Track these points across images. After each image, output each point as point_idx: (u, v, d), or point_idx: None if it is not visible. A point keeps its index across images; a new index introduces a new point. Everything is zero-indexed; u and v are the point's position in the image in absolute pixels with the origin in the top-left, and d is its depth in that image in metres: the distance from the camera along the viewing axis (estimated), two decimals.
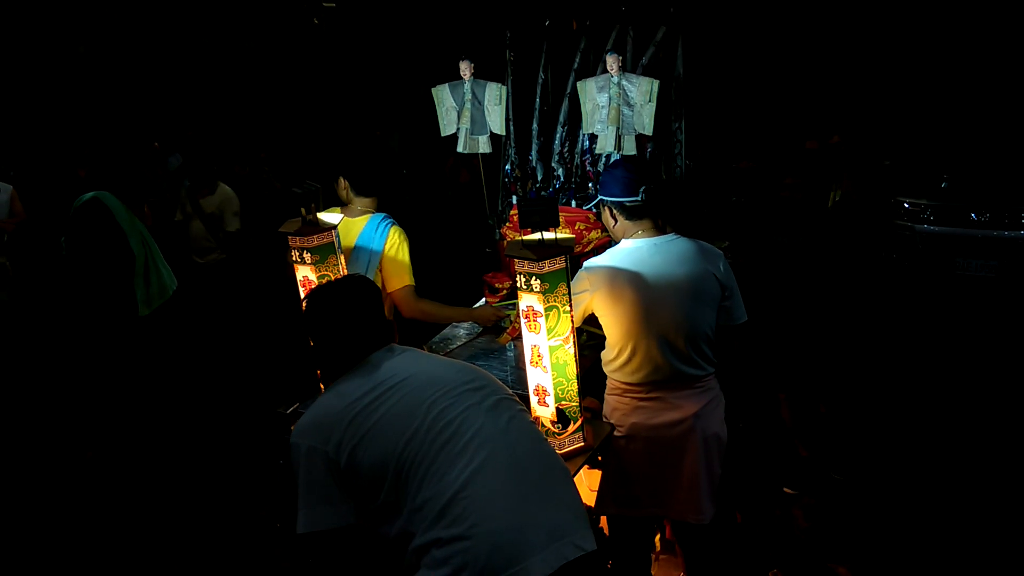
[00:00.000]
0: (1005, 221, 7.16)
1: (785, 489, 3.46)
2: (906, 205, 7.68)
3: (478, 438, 1.71)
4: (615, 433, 2.65)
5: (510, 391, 1.94)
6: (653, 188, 2.55)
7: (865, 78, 9.82)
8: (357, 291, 1.97)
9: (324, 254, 2.62)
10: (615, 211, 2.62)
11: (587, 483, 2.92)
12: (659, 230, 2.59)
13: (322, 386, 2.62)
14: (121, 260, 3.86)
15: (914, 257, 7.37)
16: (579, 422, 2.40)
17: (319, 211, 2.67)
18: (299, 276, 2.67)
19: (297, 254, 2.62)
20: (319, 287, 2.03)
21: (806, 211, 4.55)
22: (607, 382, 2.72)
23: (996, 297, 6.72)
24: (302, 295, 2.68)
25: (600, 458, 2.70)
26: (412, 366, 1.86)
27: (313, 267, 2.61)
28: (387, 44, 9.41)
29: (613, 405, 2.68)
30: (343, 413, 1.74)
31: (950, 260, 7.22)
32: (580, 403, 2.39)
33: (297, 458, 1.76)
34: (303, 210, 2.60)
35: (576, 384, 2.35)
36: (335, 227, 2.65)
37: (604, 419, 2.70)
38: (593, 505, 2.76)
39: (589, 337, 3.02)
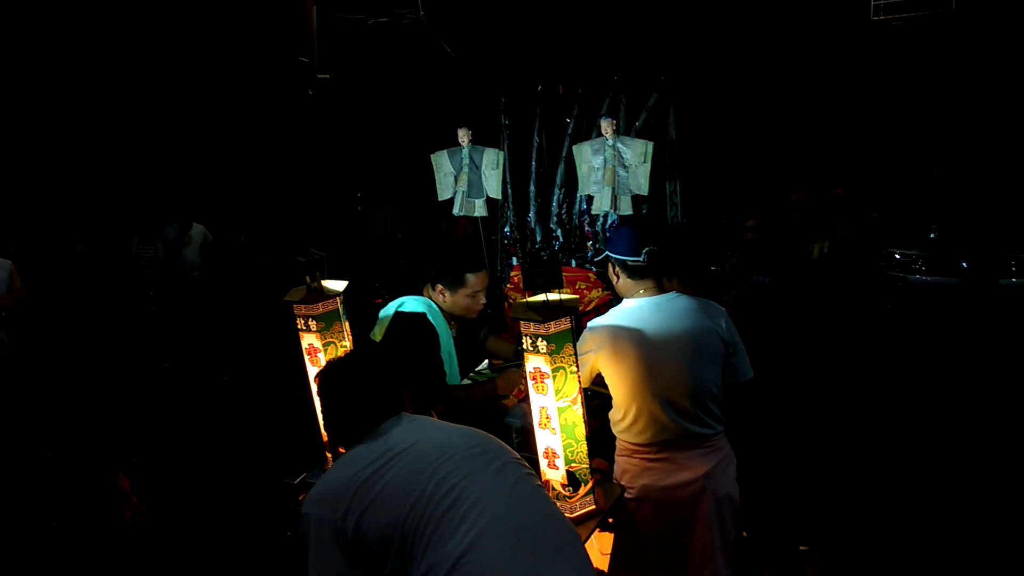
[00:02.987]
0: (997, 269, 7.26)
1: (800, 547, 3.41)
2: (897, 256, 7.78)
3: (481, 503, 1.69)
4: (625, 495, 2.62)
5: (517, 455, 1.93)
6: (656, 250, 2.57)
7: (853, 133, 10.05)
8: (368, 364, 1.97)
9: (329, 321, 2.63)
10: (618, 269, 2.65)
11: (598, 546, 2.87)
12: (661, 289, 2.62)
13: (329, 455, 2.60)
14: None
15: (908, 307, 7.44)
16: (590, 484, 2.38)
17: (324, 278, 2.69)
18: (304, 344, 2.67)
19: (302, 322, 2.63)
20: (331, 362, 2.03)
21: (786, 259, 4.61)
22: (616, 443, 2.70)
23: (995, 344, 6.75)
24: (307, 363, 2.68)
25: (611, 520, 2.67)
26: (418, 433, 1.86)
27: (319, 334, 2.61)
28: (382, 113, 9.60)
29: (623, 467, 2.66)
30: (350, 482, 1.73)
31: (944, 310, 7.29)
32: (590, 464, 2.37)
33: (307, 528, 1.74)
34: (308, 278, 2.62)
35: (585, 445, 2.34)
36: (340, 294, 2.66)
37: (614, 481, 2.67)
38: (606, 570, 2.71)
39: (594, 396, 3.01)
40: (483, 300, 2.95)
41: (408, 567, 1.65)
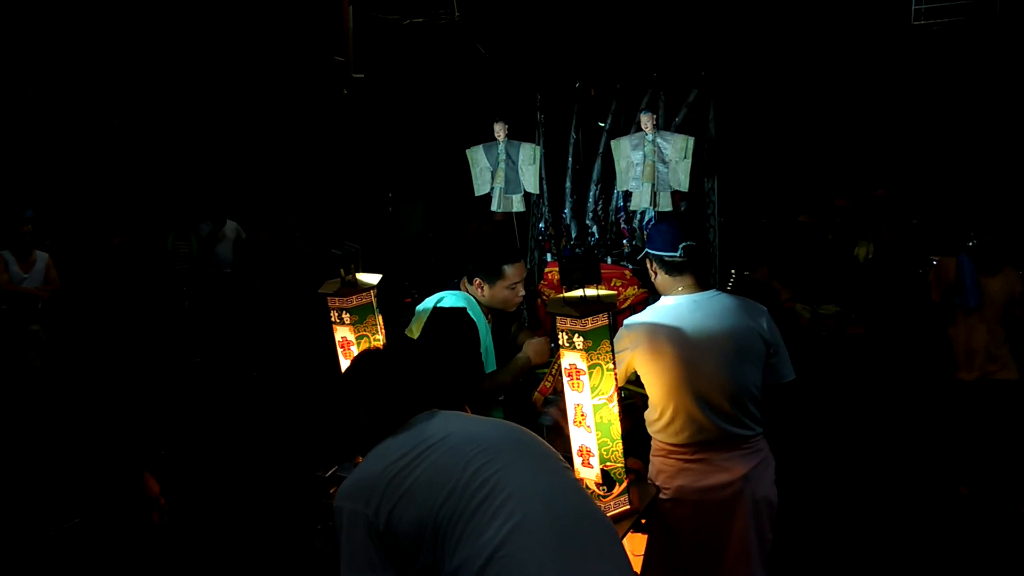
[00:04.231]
0: None
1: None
2: (935, 263, 7.60)
3: (517, 495, 1.64)
4: (660, 496, 2.56)
5: (553, 449, 1.89)
6: (694, 246, 2.52)
7: (893, 137, 9.87)
8: (401, 357, 1.94)
9: (363, 314, 2.61)
10: (656, 265, 2.60)
11: (631, 548, 2.80)
12: (700, 286, 2.56)
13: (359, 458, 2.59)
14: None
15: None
16: (624, 484, 2.33)
17: (358, 271, 2.67)
18: (337, 336, 2.65)
19: (336, 315, 2.61)
20: (364, 353, 2.00)
21: (838, 260, 4.52)
22: (652, 443, 2.65)
23: None
24: (340, 355, 2.66)
25: (644, 522, 2.61)
26: (451, 425, 1.82)
27: (352, 327, 2.59)
28: (415, 113, 9.62)
29: (658, 467, 2.61)
30: (382, 475, 1.70)
31: None
32: (624, 464, 2.32)
33: (340, 522, 1.71)
34: (342, 271, 2.60)
35: (621, 444, 2.29)
36: (375, 287, 2.64)
37: (649, 481, 2.62)
38: (639, 572, 2.66)
39: (627, 396, 2.96)
40: (522, 292, 2.92)
41: (440, 561, 1.61)
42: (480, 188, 3.81)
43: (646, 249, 2.66)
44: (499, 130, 3.68)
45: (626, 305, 3.25)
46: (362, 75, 8.12)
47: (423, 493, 1.65)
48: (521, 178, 3.67)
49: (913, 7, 9.01)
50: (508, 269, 2.85)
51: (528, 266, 3.90)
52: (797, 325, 2.49)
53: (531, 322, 3.63)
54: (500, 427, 1.86)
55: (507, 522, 1.59)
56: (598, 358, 2.20)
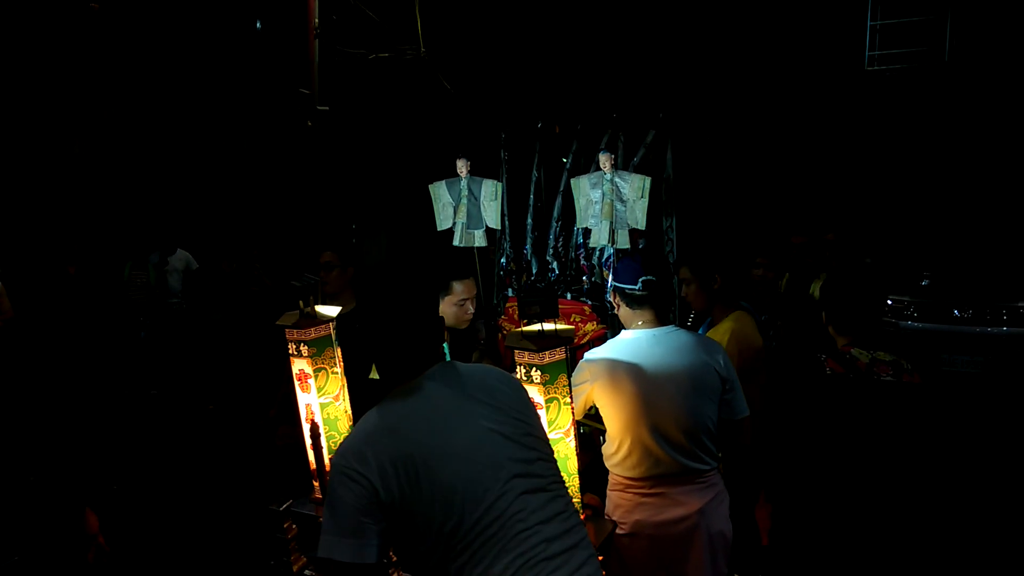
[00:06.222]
0: (987, 317, 7.27)
1: None
2: (889, 302, 7.79)
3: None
4: (617, 531, 2.57)
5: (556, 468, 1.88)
6: (654, 281, 2.57)
7: (846, 179, 10.16)
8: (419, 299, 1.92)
9: (321, 347, 2.59)
10: (619, 297, 2.64)
11: None
12: (660, 321, 2.60)
13: (316, 483, 2.55)
14: None
15: (900, 353, 7.43)
16: (581, 519, 2.33)
17: (317, 304, 2.66)
18: (295, 369, 2.63)
19: (294, 347, 2.59)
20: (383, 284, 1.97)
21: (791, 298, 4.61)
22: (609, 478, 2.66)
23: (983, 393, 6.73)
24: (297, 389, 2.64)
25: (601, 558, 2.61)
26: (464, 420, 1.75)
27: (310, 360, 2.57)
28: (379, 146, 9.66)
29: (616, 502, 2.62)
30: (390, 443, 1.66)
31: (936, 356, 7.28)
32: (581, 499, 2.33)
33: (334, 478, 1.67)
34: (301, 302, 2.59)
35: (577, 479, 2.30)
36: (333, 320, 2.63)
37: (606, 517, 2.63)
38: None
39: (586, 431, 2.98)
40: (471, 309, 2.96)
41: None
42: (442, 223, 3.84)
43: (611, 282, 2.71)
44: (462, 166, 3.73)
45: (585, 340, 3.28)
46: (327, 108, 8.16)
47: (438, 498, 1.64)
48: (483, 214, 3.71)
49: (867, 53, 9.38)
50: (457, 285, 2.90)
51: (495, 301, 3.93)
52: (855, 369, 2.51)
53: (492, 357, 3.65)
54: (513, 438, 1.79)
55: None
56: (555, 392, 2.22)
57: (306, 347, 2.57)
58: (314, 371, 2.59)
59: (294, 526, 2.45)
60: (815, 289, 4.64)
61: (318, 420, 2.55)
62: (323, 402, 2.57)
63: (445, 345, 2.95)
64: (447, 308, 2.92)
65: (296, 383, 2.64)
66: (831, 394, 2.49)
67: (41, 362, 5.97)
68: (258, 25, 9.35)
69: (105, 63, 8.16)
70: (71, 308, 6.61)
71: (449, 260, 3.05)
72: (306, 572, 2.40)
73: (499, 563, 1.61)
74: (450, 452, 1.67)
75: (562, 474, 2.23)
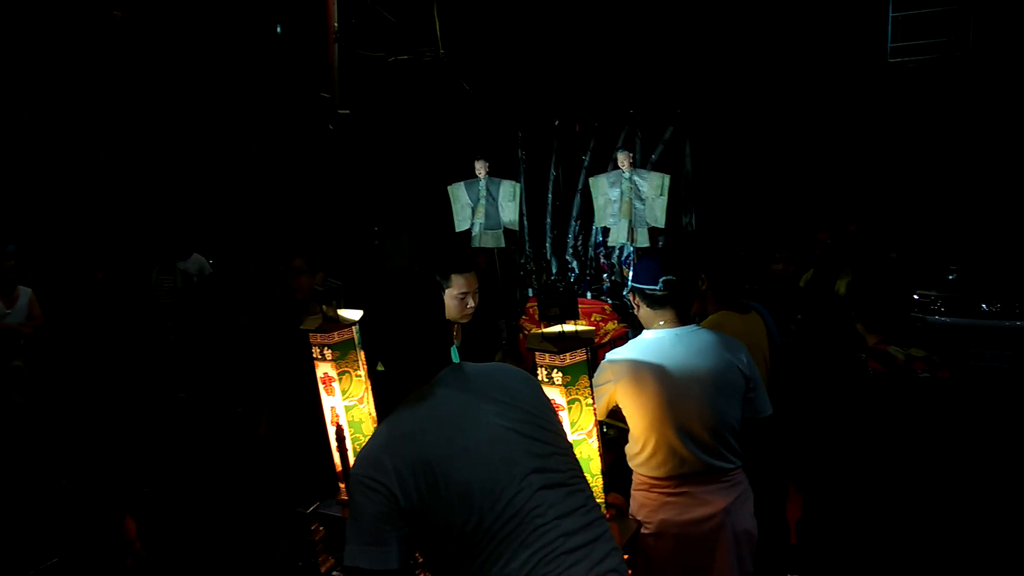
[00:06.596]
0: (1016, 311, 7.17)
1: None
2: (915, 297, 7.70)
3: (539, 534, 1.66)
4: (642, 531, 2.57)
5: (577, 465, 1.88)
6: (674, 280, 2.56)
7: (870, 172, 10.04)
8: (425, 295, 1.90)
9: (344, 350, 2.62)
10: (639, 298, 2.64)
11: None
12: (682, 321, 2.59)
13: (342, 485, 2.58)
14: None
15: (929, 349, 7.34)
16: (606, 519, 2.33)
17: (340, 308, 2.68)
18: (319, 372, 2.66)
19: (318, 351, 2.62)
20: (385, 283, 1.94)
21: (814, 294, 4.56)
22: (633, 477, 2.66)
23: (1013, 387, 6.62)
24: (322, 392, 2.67)
25: (626, 557, 2.61)
26: (477, 420, 1.75)
27: (333, 363, 2.60)
28: (400, 148, 9.71)
29: (640, 501, 2.61)
30: (406, 449, 1.67)
31: (964, 351, 7.18)
32: (605, 500, 2.33)
33: (353, 488, 1.69)
34: (324, 307, 2.62)
35: (601, 480, 2.30)
36: (356, 323, 2.65)
37: (630, 517, 2.63)
38: None
39: (609, 429, 2.98)
40: (472, 304, 2.92)
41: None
42: (461, 224, 3.86)
43: (630, 282, 2.70)
44: (480, 168, 3.74)
45: (606, 340, 3.28)
46: (347, 111, 8.21)
47: (452, 501, 1.65)
48: (501, 214, 3.72)
49: (889, 45, 9.27)
50: (457, 278, 2.87)
51: (517, 297, 3.94)
52: (894, 367, 2.49)
53: (514, 358, 3.66)
54: (529, 436, 1.79)
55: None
56: (577, 393, 2.22)
57: (330, 351, 2.59)
58: (338, 374, 2.62)
59: (321, 528, 2.48)
60: (841, 286, 4.59)
61: (343, 423, 2.57)
62: (347, 405, 2.59)
63: (454, 348, 2.96)
64: (447, 301, 2.86)
65: (320, 386, 2.67)
66: (876, 394, 2.47)
67: (72, 367, 6.08)
68: (278, 30, 9.44)
69: (129, 71, 8.28)
70: (100, 313, 6.71)
71: (450, 252, 3.01)
72: (334, 573, 2.43)
73: (518, 558, 1.63)
74: (465, 453, 1.68)
75: (585, 475, 2.25)
